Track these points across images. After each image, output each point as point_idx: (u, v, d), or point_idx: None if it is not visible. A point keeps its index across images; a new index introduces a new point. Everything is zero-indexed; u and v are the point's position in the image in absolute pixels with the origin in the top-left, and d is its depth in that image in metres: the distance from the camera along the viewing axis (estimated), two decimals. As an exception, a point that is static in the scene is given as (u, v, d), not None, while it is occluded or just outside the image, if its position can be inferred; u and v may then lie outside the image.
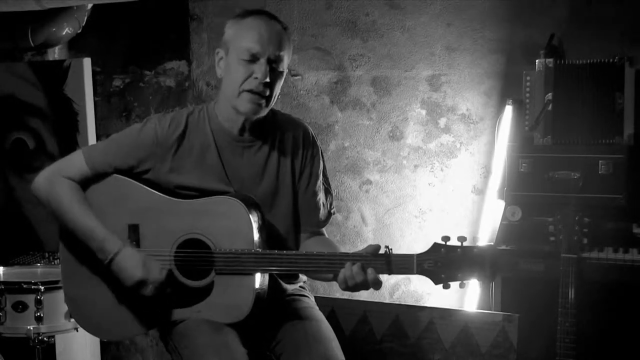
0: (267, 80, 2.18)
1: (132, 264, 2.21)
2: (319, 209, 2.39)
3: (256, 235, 2.18)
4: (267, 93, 2.21)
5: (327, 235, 2.45)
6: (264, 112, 2.25)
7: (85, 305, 2.37)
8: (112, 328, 2.36)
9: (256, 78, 2.18)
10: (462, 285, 2.06)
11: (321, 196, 2.40)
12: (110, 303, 2.32)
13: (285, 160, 2.33)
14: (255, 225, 2.18)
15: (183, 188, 2.29)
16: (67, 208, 2.28)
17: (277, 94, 2.26)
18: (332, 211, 2.46)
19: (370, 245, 2.10)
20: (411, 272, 2.08)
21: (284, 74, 2.26)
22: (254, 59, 2.19)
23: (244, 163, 2.30)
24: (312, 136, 2.40)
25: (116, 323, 2.33)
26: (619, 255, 2.80)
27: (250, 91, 2.19)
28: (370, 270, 2.07)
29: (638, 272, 2.75)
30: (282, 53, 2.21)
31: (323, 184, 2.43)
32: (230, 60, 2.22)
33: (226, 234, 2.19)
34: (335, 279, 2.14)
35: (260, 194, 2.29)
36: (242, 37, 2.20)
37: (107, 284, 2.31)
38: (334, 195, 2.50)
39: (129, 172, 2.30)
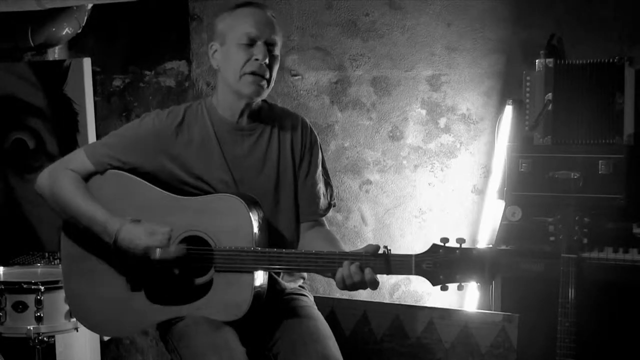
0: (267, 61, 2.25)
1: (135, 234, 2.21)
2: (319, 198, 2.41)
3: (256, 234, 2.18)
4: (268, 75, 2.27)
5: (327, 227, 2.46)
6: (264, 94, 2.31)
7: (86, 302, 2.37)
8: (113, 325, 2.36)
9: (257, 59, 2.25)
10: (460, 288, 2.06)
11: (321, 186, 2.43)
12: (111, 299, 2.32)
13: (285, 149, 2.37)
14: (255, 224, 2.18)
15: (183, 179, 2.30)
16: (70, 197, 2.30)
17: (274, 77, 2.32)
18: (332, 202, 2.48)
19: (369, 245, 2.11)
20: (409, 273, 2.08)
21: (279, 58, 2.32)
22: (252, 42, 2.25)
23: (244, 152, 2.33)
24: (310, 126, 2.45)
25: (117, 319, 2.33)
26: (619, 255, 2.80)
27: (252, 73, 2.25)
28: (367, 270, 2.08)
29: (638, 272, 2.75)
30: (276, 37, 2.29)
31: (322, 175, 2.45)
32: (229, 48, 2.28)
33: (226, 231, 2.19)
34: (333, 277, 2.14)
35: (261, 183, 2.32)
36: (239, 24, 2.27)
37: (108, 280, 2.32)
38: (334, 187, 2.52)
39: (129, 165, 2.32)
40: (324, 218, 2.46)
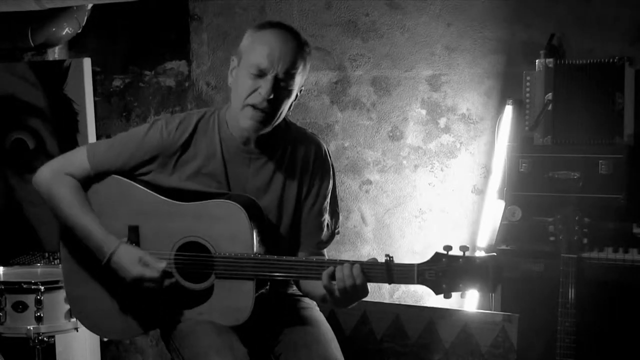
0: (271, 97, 2.13)
1: (128, 261, 2.20)
2: (322, 229, 2.35)
3: (256, 240, 2.15)
4: (270, 110, 2.16)
5: (327, 257, 2.40)
6: (266, 129, 2.20)
7: (87, 305, 2.37)
8: (113, 327, 2.36)
9: (260, 94, 2.14)
10: (463, 295, 2.04)
11: (326, 217, 2.36)
12: (110, 303, 2.32)
13: (293, 177, 2.29)
14: (255, 230, 2.15)
15: (181, 192, 2.27)
16: (68, 207, 2.28)
17: (284, 112, 2.21)
18: (336, 231, 2.41)
19: (368, 260, 2.07)
20: (412, 282, 2.04)
21: (294, 92, 2.20)
22: (261, 74, 2.13)
23: (249, 174, 2.27)
24: (325, 154, 2.35)
25: (117, 323, 2.33)
26: (619, 255, 2.80)
27: (253, 106, 2.15)
28: (356, 270, 2.03)
29: (638, 272, 2.76)
30: (293, 71, 2.15)
31: (330, 204, 2.37)
32: (240, 72, 2.18)
33: (226, 237, 2.17)
34: (330, 295, 2.10)
35: (262, 207, 2.26)
36: (254, 50, 2.15)
37: (107, 283, 2.31)
38: (340, 215, 2.43)
39: (130, 172, 2.29)
40: (324, 250, 2.40)
